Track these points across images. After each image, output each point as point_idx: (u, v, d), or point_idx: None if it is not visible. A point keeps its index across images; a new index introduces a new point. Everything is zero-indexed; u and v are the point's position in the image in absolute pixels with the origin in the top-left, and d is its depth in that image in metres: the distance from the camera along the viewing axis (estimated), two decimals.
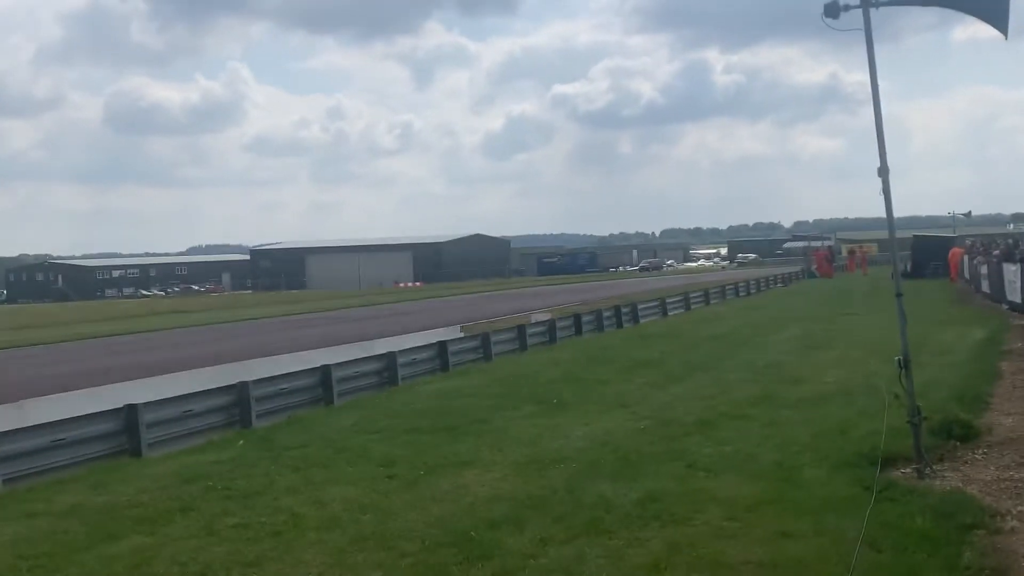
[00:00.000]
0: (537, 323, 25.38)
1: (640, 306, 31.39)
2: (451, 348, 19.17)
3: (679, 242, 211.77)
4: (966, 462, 8.85)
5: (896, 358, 8.71)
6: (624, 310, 29.65)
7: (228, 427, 13.06)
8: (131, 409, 11.66)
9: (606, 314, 28.17)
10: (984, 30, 8.22)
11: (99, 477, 10.01)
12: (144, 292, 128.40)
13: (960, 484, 8.04)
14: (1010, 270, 25.22)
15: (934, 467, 8.48)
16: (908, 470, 8.46)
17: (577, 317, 26.54)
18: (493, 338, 21.01)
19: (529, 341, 22.61)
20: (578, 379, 15.71)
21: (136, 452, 11.48)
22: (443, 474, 9.24)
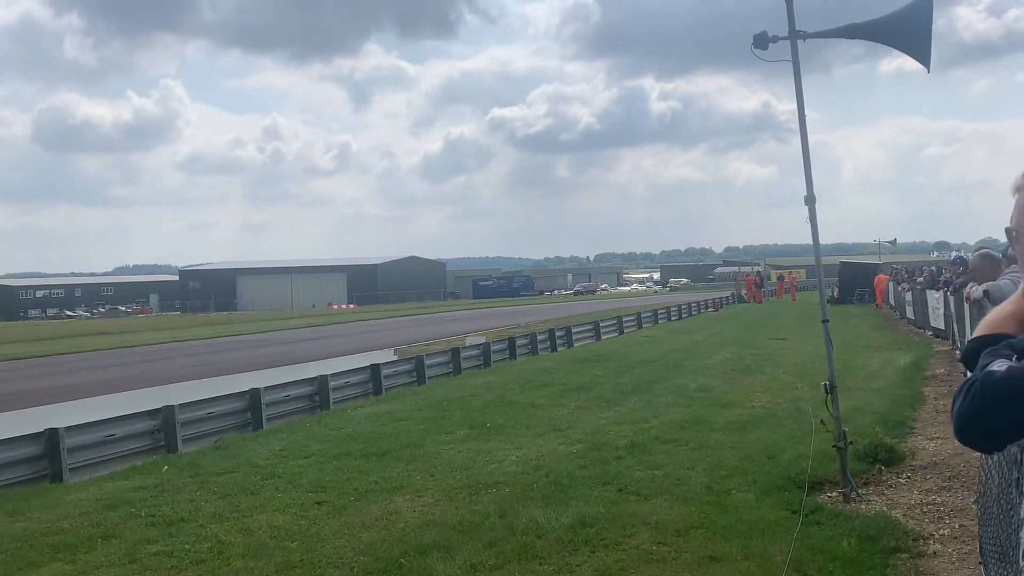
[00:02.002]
0: (471, 346, 25.32)
1: (574, 329, 31.53)
2: (384, 371, 19.04)
3: (613, 266, 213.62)
4: (891, 486, 9.02)
5: (823, 383, 8.86)
6: (558, 333, 29.75)
7: (153, 452, 12.79)
8: (52, 433, 11.37)
9: (540, 337, 28.25)
10: (909, 63, 8.45)
11: (18, 503, 9.71)
12: (68, 313, 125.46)
13: (885, 508, 8.18)
14: (933, 297, 25.88)
15: (860, 491, 8.63)
16: (834, 494, 8.60)
17: (511, 340, 26.56)
18: (427, 361, 20.92)
19: (463, 364, 22.56)
20: (511, 403, 15.69)
21: (57, 477, 11.19)
22: (374, 500, 9.15)
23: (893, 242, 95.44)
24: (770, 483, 8.93)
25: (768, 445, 10.83)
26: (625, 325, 37.05)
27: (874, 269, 53.38)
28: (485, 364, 23.72)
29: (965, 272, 20.16)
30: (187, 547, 7.76)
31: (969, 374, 2.05)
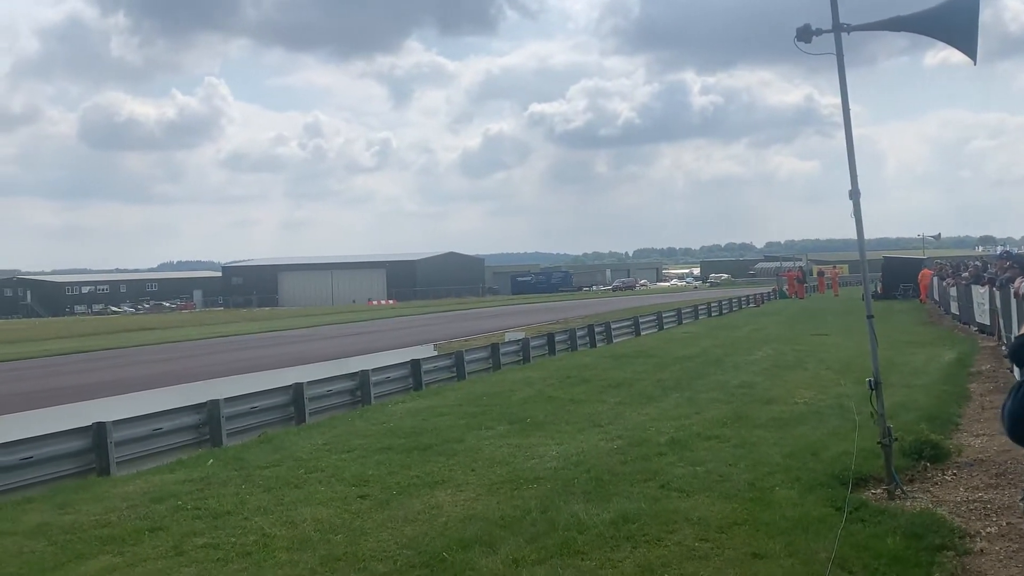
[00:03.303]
0: (510, 342, 25.35)
1: (613, 325, 31.46)
2: (424, 367, 19.12)
3: (652, 262, 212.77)
4: (936, 483, 8.92)
5: (868, 379, 8.77)
6: (597, 329, 29.69)
7: (198, 446, 12.96)
8: (100, 427, 11.55)
9: (579, 333, 28.22)
10: (955, 55, 8.35)
11: (67, 496, 9.89)
12: (114, 309, 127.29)
13: (930, 505, 8.09)
14: (979, 292, 25.49)
15: (905, 488, 8.54)
16: (879, 491, 8.52)
17: (551, 336, 26.56)
18: (466, 357, 20.98)
19: (502, 360, 22.59)
20: (551, 399, 15.68)
21: (105, 471, 11.37)
22: (416, 494, 9.20)
23: (937, 237, 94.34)
24: (814, 480, 8.86)
25: (811, 442, 10.74)
26: (665, 321, 36.89)
27: (918, 264, 52.72)
28: (524, 360, 23.75)
29: (1012, 267, 19.87)
30: (233, 540, 7.85)
31: (1016, 370, 2.04)
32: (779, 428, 11.87)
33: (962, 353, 20.26)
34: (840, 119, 8.77)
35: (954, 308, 31.71)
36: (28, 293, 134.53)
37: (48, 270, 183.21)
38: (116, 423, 11.82)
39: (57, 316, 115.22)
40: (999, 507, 7.95)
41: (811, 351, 22.43)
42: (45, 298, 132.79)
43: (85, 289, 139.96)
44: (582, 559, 6.94)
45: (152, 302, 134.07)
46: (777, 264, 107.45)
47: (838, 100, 8.76)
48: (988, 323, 23.63)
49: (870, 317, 8.95)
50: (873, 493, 8.49)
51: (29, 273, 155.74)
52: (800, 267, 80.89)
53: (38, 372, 31.22)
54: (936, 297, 41.67)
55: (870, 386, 8.70)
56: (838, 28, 8.50)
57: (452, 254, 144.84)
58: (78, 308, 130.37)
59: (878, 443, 8.64)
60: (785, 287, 64.04)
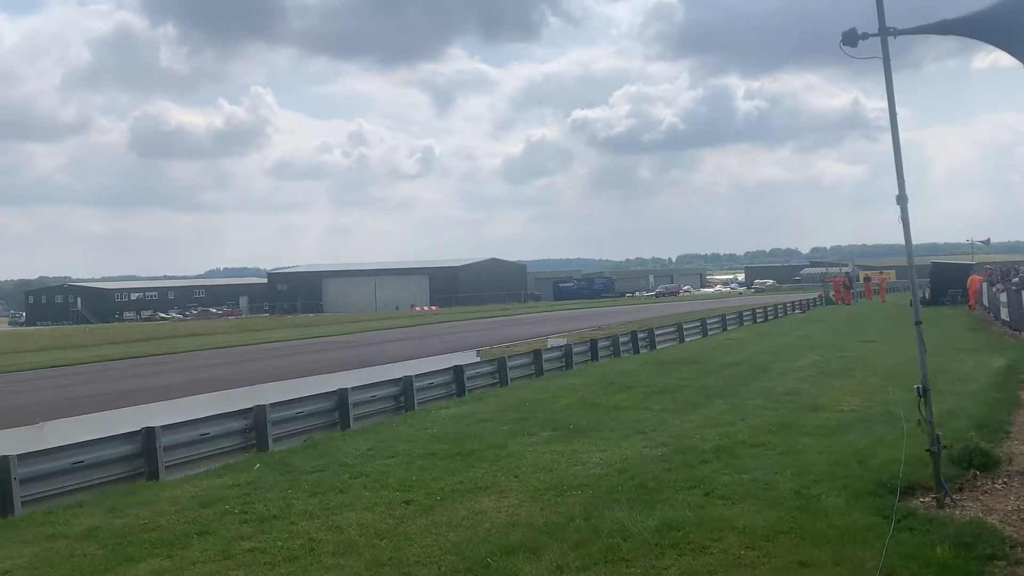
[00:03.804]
0: (553, 348, 25.33)
1: (657, 332, 31.32)
2: (467, 373, 19.17)
3: (696, 267, 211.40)
4: (986, 492, 8.79)
5: (915, 386, 8.67)
6: (641, 335, 29.58)
7: (245, 450, 13.10)
8: (149, 432, 11.72)
9: (622, 339, 28.12)
10: (1005, 58, 8.22)
11: (116, 500, 10.05)
12: (162, 315, 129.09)
13: (980, 514, 7.98)
14: None
15: (954, 497, 8.42)
16: (927, 499, 8.42)
17: (593, 342, 26.50)
18: (509, 363, 21.01)
19: (545, 366, 22.59)
20: (594, 405, 15.67)
21: (154, 475, 11.53)
22: (459, 500, 9.24)
23: (987, 242, 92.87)
24: (861, 488, 8.78)
25: (858, 449, 10.65)
26: (709, 327, 36.66)
27: (967, 269, 51.97)
28: (567, 366, 23.72)
29: None
30: (279, 544, 7.93)
31: None
32: (826, 435, 11.78)
33: (1012, 360, 19.94)
34: (887, 123, 8.69)
35: (1004, 314, 31.19)
36: (78, 300, 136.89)
37: (98, 277, 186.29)
38: (165, 428, 11.97)
39: (107, 322, 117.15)
40: None
41: (858, 358, 22.20)
42: (95, 304, 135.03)
43: (134, 296, 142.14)
44: (626, 566, 6.93)
45: (199, 308, 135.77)
46: (823, 270, 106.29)
47: (885, 104, 8.68)
48: None
49: (918, 323, 8.85)
50: (921, 502, 8.39)
51: (79, 280, 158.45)
52: (847, 272, 79.99)
53: (87, 377, 31.73)
54: (985, 303, 41.03)
55: (918, 393, 8.59)
56: (884, 32, 8.43)
57: (494, 260, 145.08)
58: (127, 314, 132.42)
59: (926, 451, 8.53)
60: (831, 293, 63.37)
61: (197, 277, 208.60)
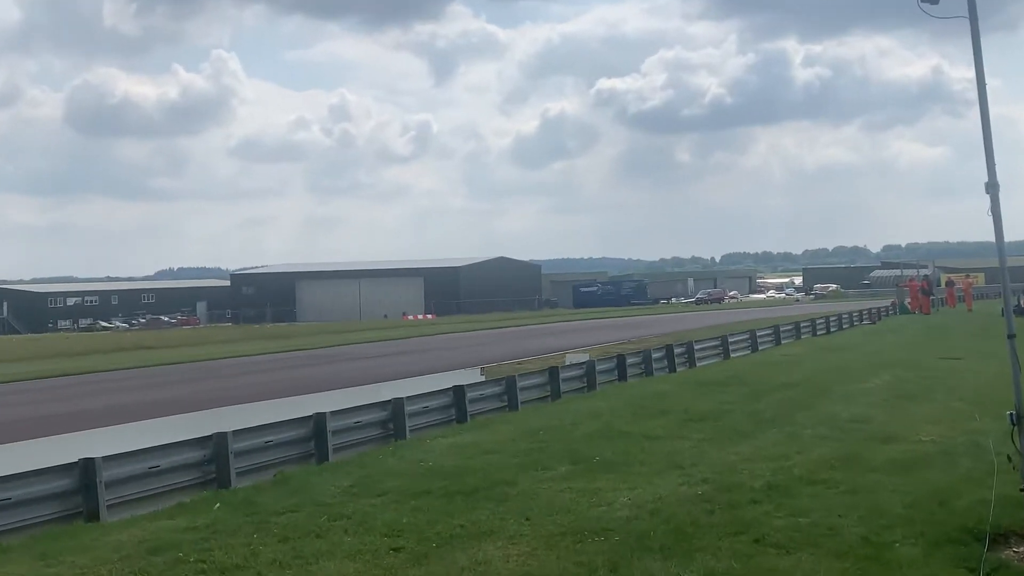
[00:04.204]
0: (573, 365, 25.32)
1: (697, 346, 31.29)
2: (469, 394, 19.17)
3: (744, 269, 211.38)
4: None
5: (1008, 412, 8.65)
6: (678, 350, 29.55)
7: (202, 487, 13.10)
8: (87, 464, 11.73)
9: (656, 355, 28.10)
10: None
11: (49, 545, 10.07)
12: (104, 324, 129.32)
13: None
14: None
15: None
16: (1022, 548, 8.40)
17: (621, 358, 26.48)
18: (520, 383, 21.00)
19: (563, 387, 22.58)
20: (622, 434, 15.67)
21: (93, 515, 11.54)
22: (459, 547, 9.24)
23: None
24: (942, 535, 8.77)
25: (939, 488, 10.63)
26: (760, 341, 36.62)
27: None
28: (589, 387, 23.71)
29: None
30: None
31: None
32: (900, 472, 11.76)
33: None
34: (974, 95, 8.67)
35: None
36: (4, 305, 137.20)
37: (28, 278, 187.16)
38: (107, 459, 11.97)
39: (38, 332, 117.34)
40: None
41: (939, 378, 22.15)
42: (24, 311, 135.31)
43: (71, 300, 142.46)
44: None
45: (148, 316, 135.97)
46: (897, 272, 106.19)
47: (972, 73, 8.67)
48: None
49: (1011, 336, 8.83)
50: (1015, 552, 8.37)
51: (5, 282, 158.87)
52: (926, 276, 79.81)
53: (11, 399, 31.82)
54: None
55: (1012, 421, 8.57)
56: None
57: (503, 259, 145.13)
58: (62, 323, 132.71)
59: (1020, 490, 8.51)
60: (907, 300, 63.22)
61: (146, 279, 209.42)
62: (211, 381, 34.99)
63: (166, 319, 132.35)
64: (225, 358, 48.33)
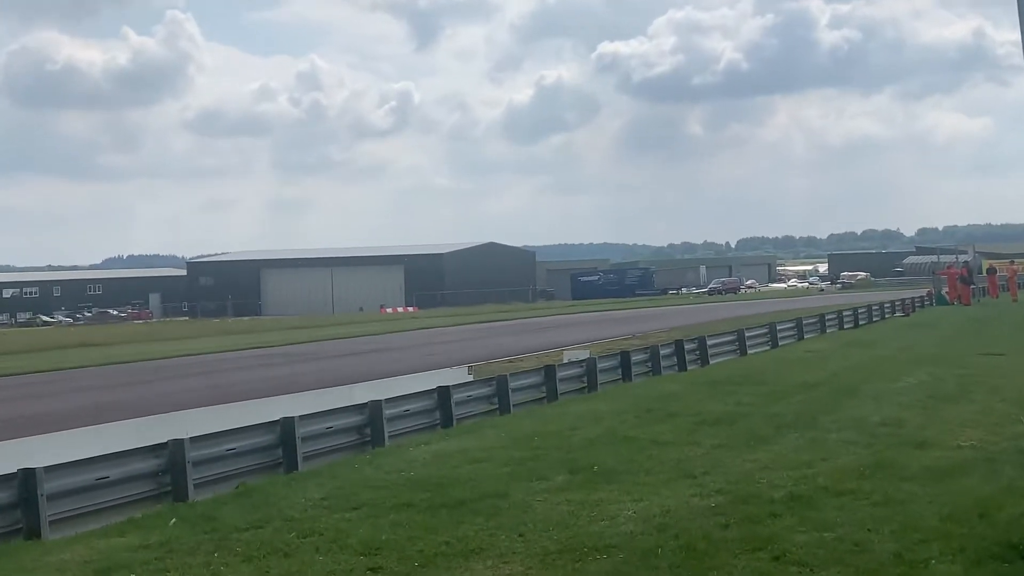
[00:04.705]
0: (571, 363, 25.35)
1: (710, 341, 31.35)
2: (456, 396, 19.18)
3: (762, 255, 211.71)
4: None
5: None
6: (689, 346, 29.60)
7: (156, 500, 13.10)
8: (27, 476, 11.71)
9: (664, 352, 28.14)
10: None
11: None
12: (45, 318, 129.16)
13: None
14: None
15: None
16: None
17: (625, 356, 26.52)
18: (512, 383, 21.01)
19: (560, 387, 22.60)
20: (626, 439, 15.70)
21: (34, 532, 11.52)
22: (444, 566, 9.26)
23: None
24: (983, 550, 8.79)
25: (980, 499, 10.66)
26: (780, 335, 36.67)
27: None
28: (590, 387, 23.74)
29: None
30: None
31: None
32: (936, 480, 11.79)
33: None
34: (1021, 61, 8.67)
35: None
36: None
37: None
38: (48, 470, 11.96)
39: None
40: None
41: (980, 376, 22.20)
42: None
43: (7, 292, 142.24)
44: None
45: (96, 310, 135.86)
46: (933, 259, 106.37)
47: (1018, 35, 8.67)
48: None
49: None
50: None
51: None
52: (965, 263, 79.93)
53: None
54: None
55: None
56: None
57: (493, 245, 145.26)
58: None
59: None
60: (944, 290, 63.40)
61: (93, 268, 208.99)
62: (164, 383, 34.95)
63: (115, 313, 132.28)
64: (181, 356, 48.27)
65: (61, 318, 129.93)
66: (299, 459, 15.13)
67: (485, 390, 20.83)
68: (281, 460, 15.14)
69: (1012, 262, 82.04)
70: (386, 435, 16.92)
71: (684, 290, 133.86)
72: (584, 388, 23.70)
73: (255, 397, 26.55)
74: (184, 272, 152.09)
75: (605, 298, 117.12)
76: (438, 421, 18.60)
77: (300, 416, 15.72)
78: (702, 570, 8.69)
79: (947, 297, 61.68)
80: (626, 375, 25.68)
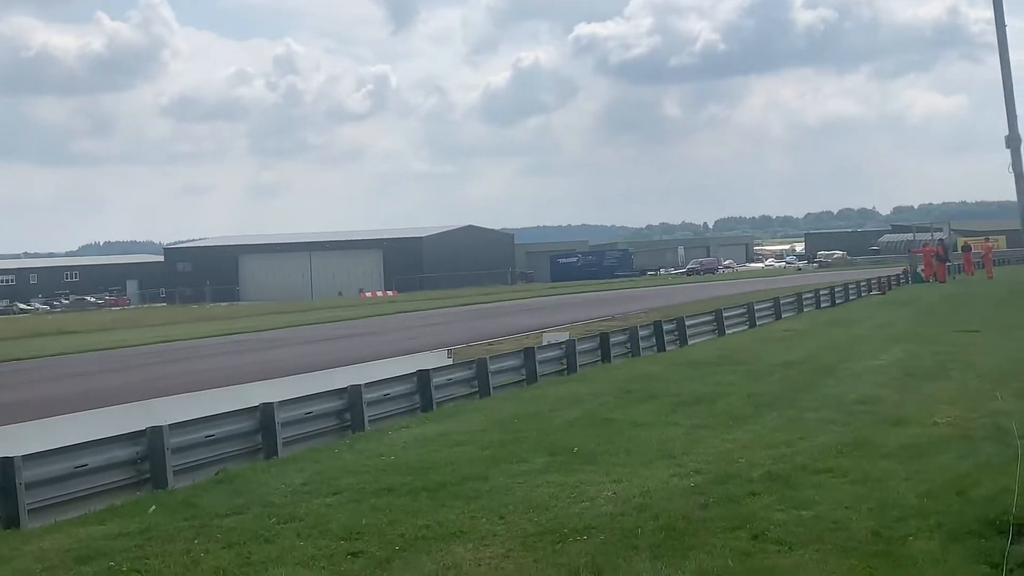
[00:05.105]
0: (551, 346, 25.37)
1: (688, 322, 31.38)
2: (435, 380, 19.16)
3: (740, 235, 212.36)
4: None
5: None
6: (667, 327, 29.64)
7: (136, 487, 13.05)
8: (5, 464, 11.66)
9: (643, 333, 28.18)
10: None
11: None
12: (21, 306, 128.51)
13: None
14: None
15: None
16: None
17: (604, 337, 26.54)
18: (492, 366, 21.01)
19: (540, 370, 22.61)
20: (606, 421, 15.73)
21: (13, 521, 11.47)
22: (425, 550, 9.25)
23: None
24: (961, 527, 8.84)
25: (957, 476, 10.71)
26: (758, 315, 36.77)
27: None
28: (569, 369, 23.76)
29: None
30: None
31: None
32: (913, 458, 11.84)
33: None
34: (995, 39, 8.68)
35: None
36: None
37: None
38: (26, 458, 11.90)
39: None
40: None
41: (956, 354, 22.30)
42: None
43: None
44: None
45: (72, 296, 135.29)
46: (909, 237, 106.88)
47: (992, 13, 8.69)
48: None
49: None
50: None
51: None
52: (941, 240, 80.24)
53: None
54: None
55: None
56: None
57: (471, 228, 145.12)
58: None
59: None
60: (920, 267, 63.60)
61: (69, 255, 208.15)
62: (143, 369, 34.85)
63: (92, 299, 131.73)
64: (159, 343, 48.13)
65: (38, 306, 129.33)
66: (279, 445, 15.10)
67: (465, 373, 20.83)
68: (261, 446, 15.11)
69: (987, 239, 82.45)
70: (366, 420, 16.91)
71: (663, 271, 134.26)
72: (564, 370, 23.72)
73: (235, 383, 26.49)
74: (161, 258, 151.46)
75: (584, 280, 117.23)
76: (418, 405, 18.60)
77: (280, 401, 15.68)
78: (682, 550, 8.71)
79: (923, 275, 61.88)
80: (605, 357, 25.71)
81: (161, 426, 13.57)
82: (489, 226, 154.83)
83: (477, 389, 20.38)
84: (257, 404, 15.50)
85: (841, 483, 10.85)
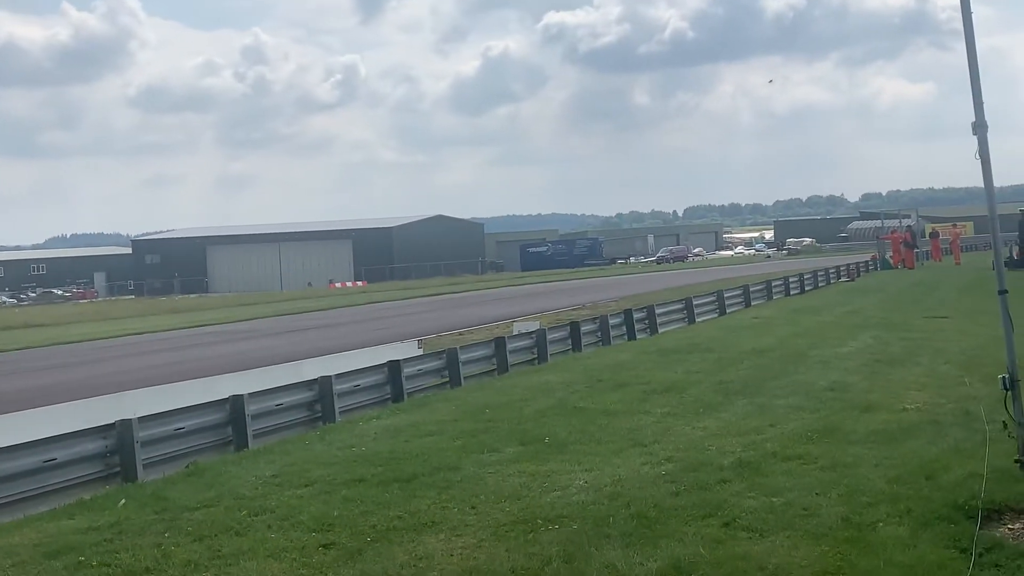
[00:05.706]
0: (521, 335, 25.38)
1: (658, 310, 31.47)
2: (406, 370, 19.16)
3: (709, 223, 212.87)
4: None
5: (1000, 376, 8.77)
6: (637, 316, 29.72)
7: (105, 481, 13.01)
8: None
9: (613, 322, 28.24)
10: None
11: None
12: None
13: None
14: None
15: None
16: (1017, 526, 8.53)
17: (575, 326, 26.58)
18: (462, 356, 21.02)
19: (511, 359, 22.64)
20: (577, 410, 15.75)
21: None
22: (397, 540, 9.24)
23: None
24: (930, 512, 8.89)
25: (926, 461, 10.76)
26: (728, 303, 36.90)
27: None
28: (540, 358, 23.79)
29: None
30: None
31: None
32: (882, 444, 11.90)
33: None
34: (961, 25, 8.71)
35: None
36: None
37: None
38: None
39: None
40: None
41: (925, 339, 22.43)
42: None
43: None
44: None
45: (39, 290, 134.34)
46: (877, 223, 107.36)
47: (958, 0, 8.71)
48: None
49: (1003, 292, 8.94)
50: (1010, 529, 8.50)
51: None
52: (909, 227, 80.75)
53: None
54: None
55: (1004, 386, 8.70)
56: None
57: (441, 218, 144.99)
58: None
59: (1015, 462, 8.64)
60: (888, 254, 63.95)
61: (35, 248, 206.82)
62: (111, 363, 34.69)
63: (59, 292, 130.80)
64: (127, 335, 47.91)
65: (5, 299, 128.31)
66: (249, 437, 15.07)
67: (435, 363, 20.83)
68: (231, 438, 15.08)
69: (954, 226, 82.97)
70: (337, 411, 16.89)
71: (632, 259, 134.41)
72: (534, 359, 23.76)
73: (204, 375, 26.40)
74: (129, 250, 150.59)
75: (554, 269, 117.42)
76: (389, 396, 18.59)
77: (250, 393, 15.65)
78: (653, 537, 8.73)
79: (891, 261, 62.23)
80: (576, 345, 25.75)
81: (130, 419, 13.51)
82: (459, 216, 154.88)
83: (448, 379, 20.39)
84: (227, 396, 15.46)
85: (811, 470, 10.88)
